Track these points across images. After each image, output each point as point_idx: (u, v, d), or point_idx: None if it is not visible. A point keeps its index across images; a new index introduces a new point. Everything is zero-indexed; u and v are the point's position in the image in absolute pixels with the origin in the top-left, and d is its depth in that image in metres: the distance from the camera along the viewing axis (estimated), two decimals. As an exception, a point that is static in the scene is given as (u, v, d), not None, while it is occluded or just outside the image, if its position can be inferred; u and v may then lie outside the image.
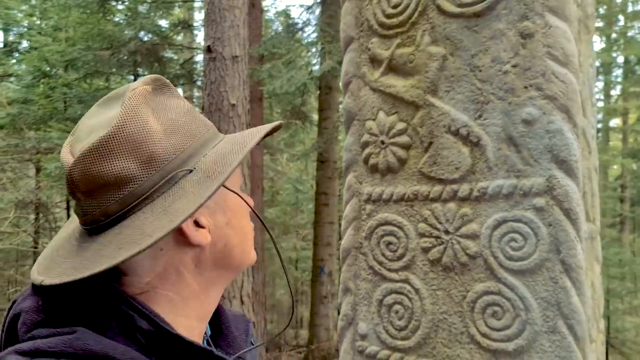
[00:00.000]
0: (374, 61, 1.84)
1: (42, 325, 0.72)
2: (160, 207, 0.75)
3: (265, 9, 12.05)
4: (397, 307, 1.76)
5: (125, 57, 8.95)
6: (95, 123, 0.79)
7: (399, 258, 1.76)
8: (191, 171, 0.79)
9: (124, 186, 0.75)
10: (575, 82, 1.51)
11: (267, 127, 0.90)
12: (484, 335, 1.58)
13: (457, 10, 1.65)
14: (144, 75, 11.28)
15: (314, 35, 8.98)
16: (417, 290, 1.72)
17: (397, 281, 1.76)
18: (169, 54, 11.29)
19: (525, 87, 1.55)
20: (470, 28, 1.63)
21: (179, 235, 0.79)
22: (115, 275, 0.78)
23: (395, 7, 1.78)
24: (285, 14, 12.24)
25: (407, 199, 1.74)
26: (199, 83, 11.36)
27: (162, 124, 0.79)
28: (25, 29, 13.15)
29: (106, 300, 0.74)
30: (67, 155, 0.77)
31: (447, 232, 1.66)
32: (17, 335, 0.74)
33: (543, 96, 1.52)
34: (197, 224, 0.81)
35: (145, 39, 9.76)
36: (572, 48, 1.52)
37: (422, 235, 1.71)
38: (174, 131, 0.80)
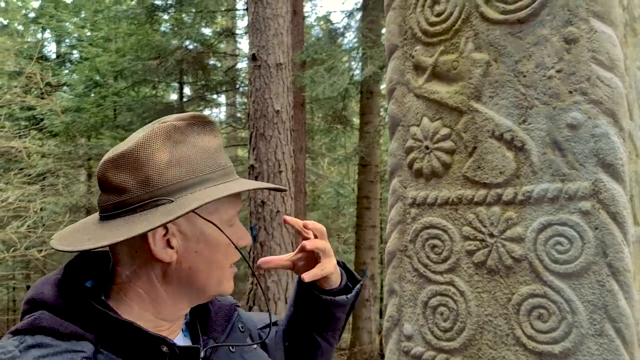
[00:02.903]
0: (418, 68, 1.88)
1: (27, 312, 0.92)
2: (132, 220, 0.92)
3: (306, 14, 12.17)
4: (442, 308, 1.79)
5: (172, 66, 9.22)
6: (134, 136, 0.97)
7: (444, 261, 1.79)
8: (172, 202, 0.93)
9: (120, 194, 0.93)
10: (621, 86, 1.52)
11: (262, 185, 1.05)
12: (529, 337, 1.60)
13: (501, 17, 1.67)
14: (189, 83, 11.58)
15: (355, 40, 9.03)
16: (462, 293, 1.75)
17: (442, 283, 1.80)
18: (213, 61, 11.56)
19: (570, 92, 1.56)
20: (513, 34, 1.66)
21: (148, 249, 0.95)
22: (113, 264, 0.98)
23: (438, 15, 1.82)
24: (326, 19, 12.33)
25: (452, 203, 1.78)
26: (241, 89, 11.58)
27: (170, 156, 0.94)
28: (77, 41, 13.70)
29: (64, 289, 0.93)
30: (106, 155, 0.98)
31: (491, 235, 1.69)
32: None
33: (588, 101, 1.53)
34: (169, 244, 0.96)
35: (191, 47, 10.03)
36: (618, 52, 1.52)
37: (466, 238, 1.74)
38: (178, 165, 0.95)
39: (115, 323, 0.91)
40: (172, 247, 0.96)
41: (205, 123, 1.01)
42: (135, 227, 0.90)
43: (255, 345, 1.19)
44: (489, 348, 1.68)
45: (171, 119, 0.98)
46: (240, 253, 1.07)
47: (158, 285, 0.98)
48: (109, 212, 0.95)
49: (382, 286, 12.49)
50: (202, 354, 1.03)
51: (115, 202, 0.94)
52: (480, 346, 1.70)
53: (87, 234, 0.94)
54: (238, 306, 1.22)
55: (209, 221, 0.98)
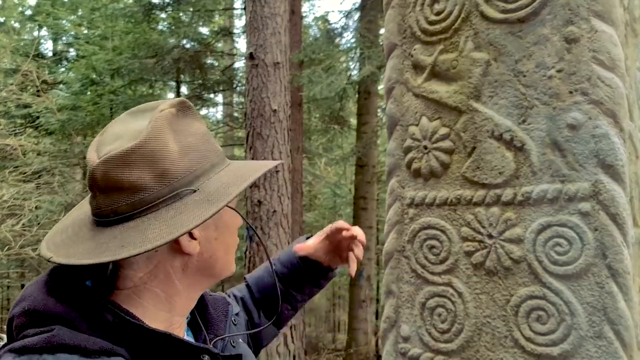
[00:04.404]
0: (417, 67, 1.87)
1: (28, 326, 0.83)
2: (163, 217, 0.87)
3: (304, 14, 12.16)
4: (439, 310, 1.78)
5: (169, 65, 9.20)
6: (122, 131, 0.91)
7: (442, 261, 1.78)
8: (195, 191, 0.91)
9: (136, 193, 0.87)
10: (622, 86, 1.51)
11: (269, 165, 1.05)
12: (528, 339, 1.59)
13: (501, 16, 1.66)
14: (186, 82, 11.56)
15: (353, 40, 9.03)
16: (460, 294, 1.73)
17: (440, 284, 1.78)
18: (210, 60, 11.54)
19: (570, 92, 1.55)
20: (514, 34, 1.65)
21: (174, 243, 0.91)
22: (114, 267, 0.92)
23: (438, 14, 1.80)
24: (324, 19, 12.32)
25: (450, 203, 1.76)
26: (238, 89, 11.56)
27: (179, 145, 0.91)
28: (74, 39, 13.67)
29: (79, 300, 0.86)
30: (93, 155, 0.89)
31: (490, 236, 1.67)
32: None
33: (588, 101, 1.52)
34: (191, 235, 0.93)
35: (188, 46, 10.01)
36: (619, 52, 1.51)
37: (465, 239, 1.73)
38: (187, 153, 0.92)
39: (150, 335, 0.87)
40: (194, 239, 0.94)
41: (189, 108, 0.98)
42: (177, 222, 0.86)
43: (240, 340, 1.19)
44: (487, 350, 1.66)
45: (165, 106, 0.94)
46: (255, 232, 1.11)
47: (176, 280, 0.95)
48: (123, 215, 0.87)
49: (378, 287, 12.49)
50: (218, 350, 1.03)
51: (131, 202, 0.87)
52: (478, 348, 1.68)
53: (110, 240, 0.86)
54: (229, 303, 1.21)
55: (232, 208, 0.99)
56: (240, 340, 1.18)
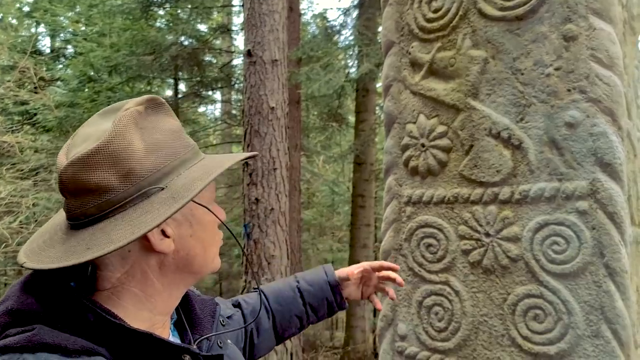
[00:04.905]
0: (415, 65, 1.86)
1: (10, 326, 0.83)
2: (130, 217, 0.87)
3: (302, 12, 12.12)
4: (436, 308, 1.77)
5: (167, 62, 9.17)
6: (91, 132, 0.91)
7: (439, 260, 1.77)
8: (163, 189, 0.90)
9: (102, 194, 0.87)
10: (620, 85, 1.50)
11: (239, 157, 1.02)
12: (525, 338, 1.58)
13: (499, 13, 1.65)
14: (184, 79, 11.52)
15: (351, 38, 9.01)
16: (457, 292, 1.73)
17: (437, 283, 1.78)
18: (208, 57, 11.50)
19: (569, 90, 1.54)
20: (512, 31, 1.64)
21: (145, 242, 0.90)
22: (92, 268, 0.91)
23: (436, 11, 1.80)
24: (323, 16, 12.29)
25: (448, 202, 1.76)
26: (236, 86, 11.53)
27: (145, 143, 0.90)
28: (71, 35, 13.62)
29: (60, 300, 0.86)
30: (63, 158, 0.89)
31: (487, 234, 1.67)
32: None
33: (587, 99, 1.51)
34: (164, 233, 0.92)
35: (186, 43, 9.98)
36: (617, 50, 1.50)
37: (462, 237, 1.72)
38: (154, 151, 0.91)
39: (131, 335, 0.86)
40: (168, 237, 0.93)
41: (160, 104, 0.97)
42: (142, 221, 0.85)
43: (229, 341, 1.19)
44: (484, 349, 1.66)
45: (131, 104, 0.93)
46: (228, 229, 1.09)
47: (154, 279, 0.94)
48: (92, 217, 0.88)
49: (376, 284, 12.45)
50: (204, 351, 1.02)
51: (98, 204, 0.87)
52: (475, 347, 1.68)
53: (78, 243, 0.86)
54: (217, 304, 1.21)
55: (201, 205, 0.96)
56: (229, 341, 1.17)
